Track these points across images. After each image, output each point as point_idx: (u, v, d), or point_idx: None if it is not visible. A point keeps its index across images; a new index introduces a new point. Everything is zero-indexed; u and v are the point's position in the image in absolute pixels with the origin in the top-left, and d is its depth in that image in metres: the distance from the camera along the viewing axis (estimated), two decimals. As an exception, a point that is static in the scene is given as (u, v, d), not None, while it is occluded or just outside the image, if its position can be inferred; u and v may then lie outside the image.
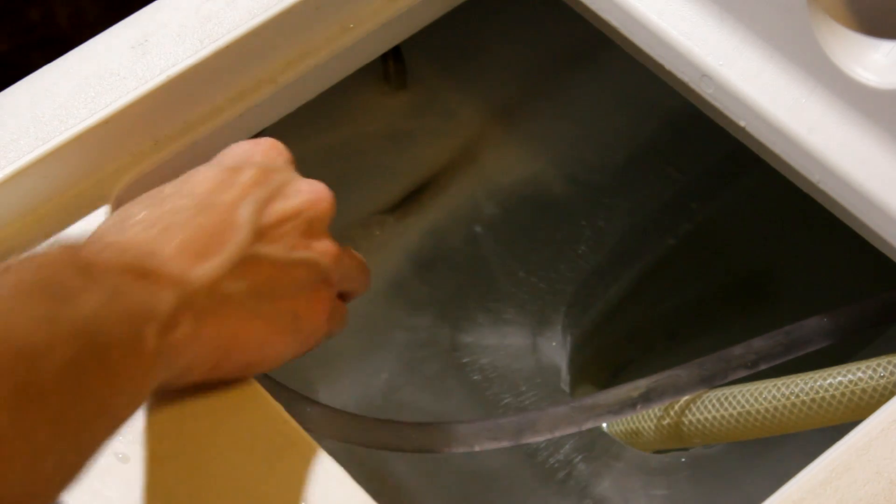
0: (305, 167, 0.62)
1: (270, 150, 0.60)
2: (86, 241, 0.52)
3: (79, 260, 0.48)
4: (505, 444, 0.66)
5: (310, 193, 0.58)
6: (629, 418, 0.77)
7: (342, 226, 0.67)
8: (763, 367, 0.66)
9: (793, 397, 0.66)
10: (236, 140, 0.67)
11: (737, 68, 0.64)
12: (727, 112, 0.65)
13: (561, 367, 0.90)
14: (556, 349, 0.90)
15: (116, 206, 0.62)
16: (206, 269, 0.53)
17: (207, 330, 0.53)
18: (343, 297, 0.63)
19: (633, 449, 0.83)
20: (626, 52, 0.69)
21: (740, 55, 0.64)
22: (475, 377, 0.89)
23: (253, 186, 0.57)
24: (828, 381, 0.65)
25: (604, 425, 0.82)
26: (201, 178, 0.57)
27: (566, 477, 0.85)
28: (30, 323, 0.43)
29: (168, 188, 0.57)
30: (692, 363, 0.66)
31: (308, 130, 0.66)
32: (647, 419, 0.75)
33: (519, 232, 0.93)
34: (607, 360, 0.92)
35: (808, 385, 0.66)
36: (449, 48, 0.91)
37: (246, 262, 0.55)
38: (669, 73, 0.66)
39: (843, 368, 0.65)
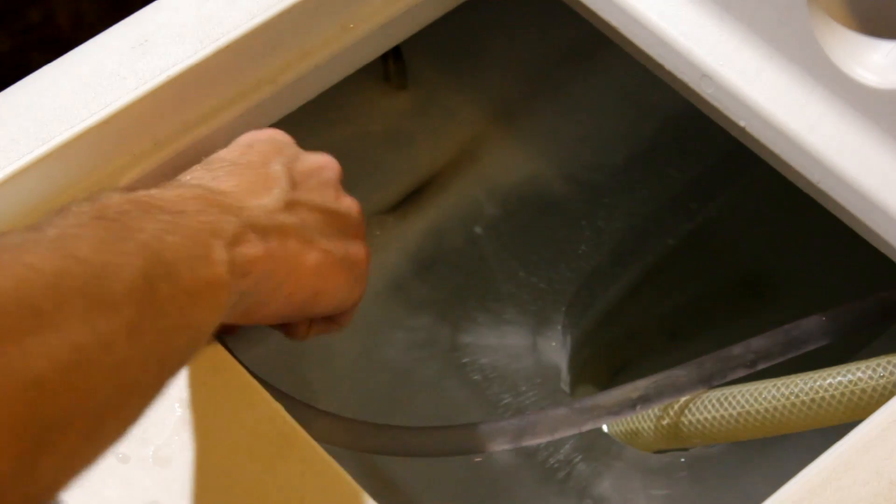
0: (305, 167, 0.63)
1: (275, 133, 0.64)
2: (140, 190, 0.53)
3: (136, 197, 0.49)
4: (505, 447, 0.66)
5: (320, 157, 0.63)
6: (629, 418, 0.77)
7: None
8: (762, 366, 0.66)
9: (792, 397, 0.66)
10: (236, 140, 0.68)
11: (737, 68, 0.64)
12: (727, 112, 0.65)
13: (561, 368, 0.90)
14: (556, 349, 0.90)
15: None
16: (261, 203, 0.56)
17: (274, 248, 0.55)
18: None
19: (633, 449, 0.83)
20: (626, 52, 0.69)
21: (740, 55, 0.64)
22: (475, 377, 0.89)
23: (271, 154, 0.61)
24: (827, 381, 0.65)
25: (604, 426, 0.82)
26: (224, 151, 0.62)
27: (566, 477, 0.85)
28: (95, 244, 0.43)
29: (197, 165, 0.61)
30: (691, 363, 0.66)
31: (308, 130, 0.66)
32: (646, 419, 0.75)
33: (519, 232, 0.93)
34: (607, 360, 0.92)
35: (808, 385, 0.66)
36: (449, 48, 0.91)
37: (292, 205, 0.58)
38: (669, 73, 0.66)
39: (842, 368, 0.65)
